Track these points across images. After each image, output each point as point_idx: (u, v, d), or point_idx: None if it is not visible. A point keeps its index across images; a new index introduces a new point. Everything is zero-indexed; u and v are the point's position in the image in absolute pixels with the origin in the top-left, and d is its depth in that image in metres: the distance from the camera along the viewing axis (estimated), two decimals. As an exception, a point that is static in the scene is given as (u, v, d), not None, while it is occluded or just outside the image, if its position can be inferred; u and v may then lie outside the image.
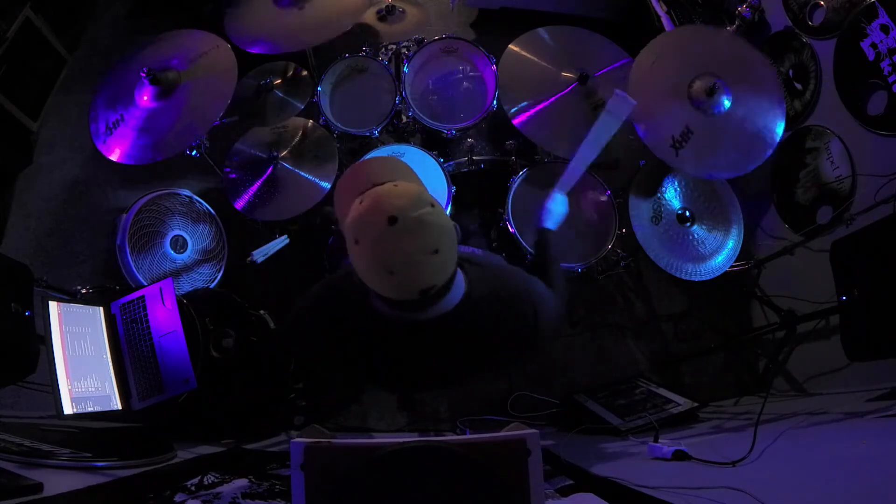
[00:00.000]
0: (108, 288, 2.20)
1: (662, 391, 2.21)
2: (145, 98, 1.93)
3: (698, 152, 1.84)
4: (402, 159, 2.05)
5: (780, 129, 1.87)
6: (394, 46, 2.37)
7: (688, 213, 2.06)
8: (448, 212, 1.98)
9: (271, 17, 2.07)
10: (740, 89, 1.89)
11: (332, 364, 1.26)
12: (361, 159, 2.03)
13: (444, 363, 1.12)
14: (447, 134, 2.14)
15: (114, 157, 1.88)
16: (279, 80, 2.21)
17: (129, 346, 1.75)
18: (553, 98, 2.05)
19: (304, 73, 2.24)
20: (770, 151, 1.86)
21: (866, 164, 1.97)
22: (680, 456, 1.54)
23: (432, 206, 0.90)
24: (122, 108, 1.93)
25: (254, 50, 2.00)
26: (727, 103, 1.87)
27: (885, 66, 1.85)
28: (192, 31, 2.05)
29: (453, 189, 2.03)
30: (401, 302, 0.94)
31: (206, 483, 1.35)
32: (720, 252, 2.06)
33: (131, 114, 1.92)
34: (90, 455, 1.36)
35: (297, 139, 2.19)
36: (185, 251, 2.25)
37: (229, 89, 1.89)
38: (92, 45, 2.98)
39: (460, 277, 1.02)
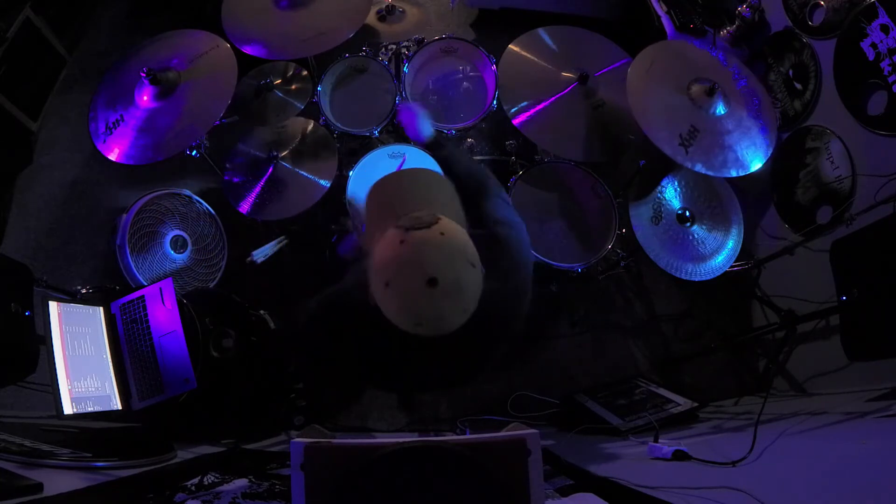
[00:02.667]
0: (108, 288, 2.19)
1: (662, 391, 2.21)
2: (145, 98, 1.93)
3: (707, 149, 1.83)
4: (402, 160, 2.07)
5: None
6: (394, 46, 2.37)
7: (688, 213, 2.06)
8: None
9: (270, 18, 2.06)
10: (731, 94, 1.90)
11: (341, 371, 1.26)
12: (398, 170, 1.91)
13: (453, 366, 1.12)
14: (447, 134, 2.14)
15: (113, 157, 1.88)
16: (279, 80, 2.21)
17: (129, 346, 1.75)
18: (553, 98, 2.05)
19: (304, 73, 2.24)
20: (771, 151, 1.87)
21: (866, 164, 1.97)
22: (680, 456, 1.54)
23: (473, 266, 0.89)
24: (121, 108, 1.93)
25: (248, 50, 2.00)
26: (722, 109, 1.88)
27: (885, 66, 1.85)
28: (192, 31, 2.05)
29: (453, 189, 2.02)
30: None
31: (206, 483, 1.35)
32: (720, 252, 2.05)
33: (131, 114, 1.92)
34: (90, 455, 1.36)
35: (297, 139, 2.19)
36: (185, 251, 2.24)
37: (229, 89, 1.89)
38: (92, 45, 2.98)
39: None
